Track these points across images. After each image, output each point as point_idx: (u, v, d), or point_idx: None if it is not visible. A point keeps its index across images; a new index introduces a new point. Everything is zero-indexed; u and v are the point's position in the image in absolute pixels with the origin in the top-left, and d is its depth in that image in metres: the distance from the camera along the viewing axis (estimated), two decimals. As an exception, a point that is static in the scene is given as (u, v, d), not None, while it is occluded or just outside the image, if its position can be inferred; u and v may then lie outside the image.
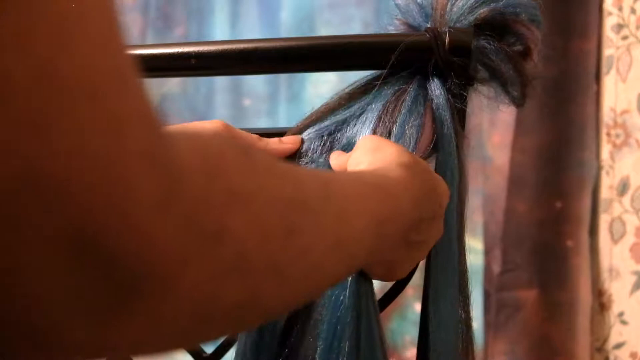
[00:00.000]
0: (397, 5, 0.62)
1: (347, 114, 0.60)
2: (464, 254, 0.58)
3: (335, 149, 0.59)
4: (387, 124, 0.56)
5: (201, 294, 0.26)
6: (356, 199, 0.38)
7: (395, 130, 0.56)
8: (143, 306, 0.24)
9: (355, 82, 0.62)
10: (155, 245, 0.23)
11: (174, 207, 0.24)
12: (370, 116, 0.58)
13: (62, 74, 0.21)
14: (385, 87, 0.59)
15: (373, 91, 0.59)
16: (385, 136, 0.56)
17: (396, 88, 0.58)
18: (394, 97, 0.58)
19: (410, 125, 0.56)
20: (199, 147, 0.27)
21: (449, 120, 0.57)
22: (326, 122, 0.60)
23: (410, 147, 0.55)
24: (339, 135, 0.59)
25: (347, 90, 0.62)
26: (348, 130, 0.59)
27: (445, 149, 0.56)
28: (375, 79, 0.61)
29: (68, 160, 0.21)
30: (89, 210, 0.22)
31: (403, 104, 0.57)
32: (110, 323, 0.24)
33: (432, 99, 0.57)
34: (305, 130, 0.60)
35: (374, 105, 0.58)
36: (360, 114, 0.59)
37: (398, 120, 0.56)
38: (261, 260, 0.28)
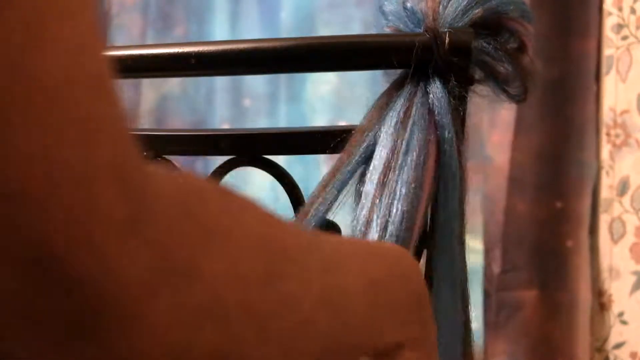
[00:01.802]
0: (385, 13, 0.61)
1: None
2: (464, 255, 0.58)
3: None
4: (394, 147, 0.56)
5: (170, 338, 0.23)
6: (344, 256, 0.35)
7: (403, 147, 0.56)
8: (101, 340, 0.22)
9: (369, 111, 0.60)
10: (118, 272, 0.21)
11: (143, 233, 0.22)
12: (382, 142, 0.57)
13: (30, 73, 0.20)
14: (392, 108, 0.58)
15: (383, 114, 0.59)
16: (395, 155, 0.55)
17: (401, 106, 0.58)
18: (400, 115, 0.57)
19: (416, 139, 0.56)
20: (176, 179, 0.26)
21: (450, 124, 0.57)
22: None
23: (421, 161, 0.55)
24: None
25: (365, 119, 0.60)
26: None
27: (446, 152, 0.57)
28: (385, 96, 0.60)
29: (28, 168, 0.19)
30: (48, 226, 0.20)
31: (408, 121, 0.57)
32: (65, 352, 0.22)
33: (433, 103, 0.57)
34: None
35: (384, 131, 0.58)
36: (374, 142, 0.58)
37: (405, 138, 0.56)
38: (239, 308, 0.26)
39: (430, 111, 0.57)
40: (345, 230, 0.57)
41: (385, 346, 0.37)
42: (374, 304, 0.36)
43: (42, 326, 0.21)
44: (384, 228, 0.53)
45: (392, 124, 0.57)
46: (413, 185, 0.54)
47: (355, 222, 0.55)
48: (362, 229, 0.54)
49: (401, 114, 0.57)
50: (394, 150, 0.56)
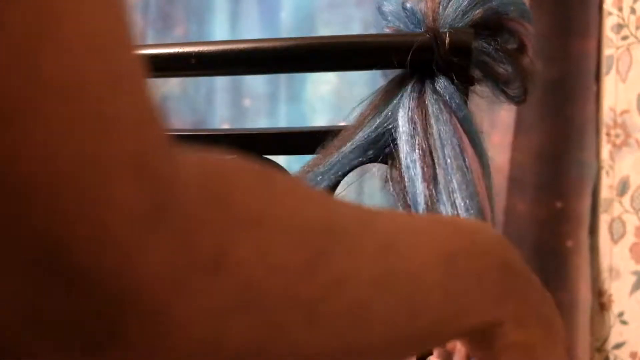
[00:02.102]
0: (384, 13, 0.61)
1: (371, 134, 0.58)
2: None
3: None
4: (423, 144, 0.56)
5: (199, 334, 0.22)
6: (411, 231, 0.32)
7: (437, 143, 0.56)
8: (125, 341, 0.21)
9: (365, 105, 0.60)
10: (139, 268, 0.20)
11: (165, 223, 0.21)
12: (404, 140, 0.57)
13: (43, 67, 0.19)
14: (401, 104, 0.58)
15: (386, 111, 0.59)
16: (428, 153, 0.55)
17: (409, 107, 0.58)
18: (414, 112, 0.58)
19: (445, 132, 0.56)
20: (205, 163, 0.24)
21: (470, 117, 0.57)
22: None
23: (458, 152, 0.55)
24: None
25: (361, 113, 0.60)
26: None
27: (476, 143, 0.57)
28: (383, 93, 0.60)
29: (39, 160, 0.19)
30: (62, 220, 0.19)
31: (428, 117, 0.57)
32: (87, 357, 0.21)
33: (447, 100, 0.57)
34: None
35: (400, 128, 0.58)
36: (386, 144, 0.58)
37: (434, 134, 0.56)
38: (278, 295, 0.24)
39: (447, 106, 0.57)
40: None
41: (475, 326, 0.34)
42: (454, 280, 0.32)
43: (61, 332, 0.20)
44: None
45: (409, 122, 0.57)
46: (461, 173, 0.54)
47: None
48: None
49: (415, 112, 0.57)
50: (429, 149, 0.56)
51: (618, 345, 1.45)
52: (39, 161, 0.19)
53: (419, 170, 0.55)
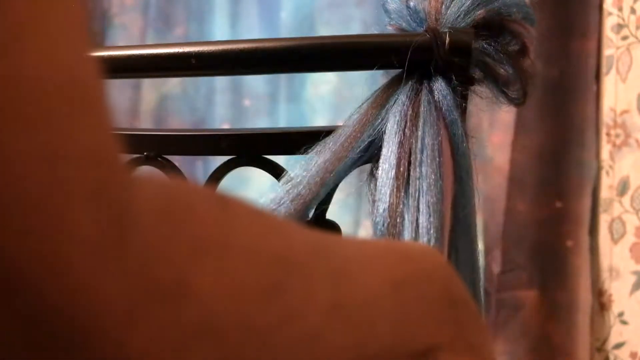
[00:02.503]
0: (388, 11, 0.61)
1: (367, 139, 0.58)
2: (478, 254, 0.58)
3: None
4: (406, 145, 0.56)
5: None
6: (361, 258, 0.33)
7: (418, 145, 0.56)
8: None
9: (363, 105, 0.60)
10: (96, 297, 0.20)
11: (123, 253, 0.20)
12: (389, 141, 0.57)
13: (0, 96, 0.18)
14: (393, 106, 0.58)
15: (383, 111, 0.59)
16: (407, 155, 0.55)
17: (404, 104, 0.58)
18: (406, 112, 0.58)
19: (428, 135, 0.56)
20: (164, 191, 0.24)
21: (458, 120, 0.57)
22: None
23: (436, 155, 0.55)
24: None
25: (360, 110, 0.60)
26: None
27: (459, 148, 0.57)
28: (382, 94, 0.60)
29: None
30: (17, 249, 0.18)
31: (418, 119, 0.57)
32: None
33: (439, 101, 0.57)
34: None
35: (388, 128, 0.58)
36: (378, 141, 0.58)
37: (418, 135, 0.56)
38: (237, 324, 0.24)
39: (438, 108, 0.57)
40: (346, 229, 0.57)
41: (418, 350, 0.35)
42: (401, 307, 0.33)
43: None
44: (416, 224, 0.53)
45: (399, 122, 0.57)
46: (433, 177, 0.54)
47: (380, 221, 0.55)
48: (392, 227, 0.54)
49: (409, 113, 0.57)
50: (409, 149, 0.56)
51: (618, 345, 1.45)
52: None
53: (393, 171, 0.55)
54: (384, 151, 0.56)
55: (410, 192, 0.54)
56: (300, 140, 0.65)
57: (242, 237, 0.25)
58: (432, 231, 0.52)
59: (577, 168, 1.47)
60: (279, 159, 0.64)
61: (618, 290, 1.45)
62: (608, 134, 1.47)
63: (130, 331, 0.21)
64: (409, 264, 0.35)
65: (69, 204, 0.19)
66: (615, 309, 1.45)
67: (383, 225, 0.54)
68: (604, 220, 1.47)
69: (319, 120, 1.67)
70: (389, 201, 0.54)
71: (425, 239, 0.52)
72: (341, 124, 0.62)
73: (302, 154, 0.63)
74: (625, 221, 1.45)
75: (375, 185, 0.56)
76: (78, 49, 0.21)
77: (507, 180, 1.48)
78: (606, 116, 1.47)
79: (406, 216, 0.53)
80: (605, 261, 1.47)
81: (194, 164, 1.68)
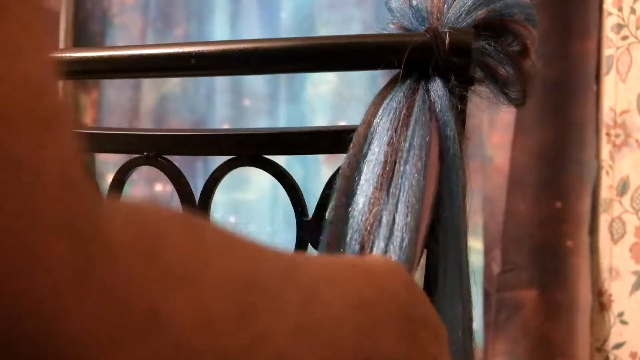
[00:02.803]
0: (391, 9, 0.62)
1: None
2: (467, 255, 0.58)
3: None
4: (394, 142, 0.56)
5: None
6: (328, 278, 0.33)
7: (406, 144, 0.55)
8: None
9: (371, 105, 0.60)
10: (67, 328, 0.20)
11: (93, 282, 0.20)
12: (380, 135, 0.57)
13: None
14: (390, 103, 0.58)
15: (379, 110, 0.59)
16: (399, 152, 0.55)
17: (400, 102, 0.58)
18: (401, 110, 0.57)
19: (418, 135, 0.56)
20: (133, 222, 0.24)
21: (451, 122, 0.57)
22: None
23: (422, 155, 0.55)
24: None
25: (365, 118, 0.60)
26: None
27: (449, 150, 0.56)
28: (382, 93, 0.60)
29: None
30: None
31: (410, 118, 0.57)
32: None
33: (434, 101, 0.57)
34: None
35: (380, 125, 0.58)
36: (372, 138, 0.58)
37: (408, 134, 0.56)
38: (209, 350, 0.24)
39: (431, 109, 0.57)
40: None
41: None
42: (364, 326, 0.34)
43: None
44: (392, 222, 0.53)
45: (392, 120, 0.57)
46: (416, 177, 0.54)
47: (357, 215, 0.54)
48: (369, 224, 0.53)
49: (403, 111, 0.57)
50: (397, 148, 0.56)
51: (618, 345, 1.45)
52: None
53: (379, 168, 0.55)
54: (373, 146, 0.56)
55: (391, 190, 0.54)
56: (300, 140, 0.65)
57: (212, 264, 0.26)
58: (406, 232, 0.52)
59: (577, 168, 1.47)
60: (279, 159, 0.64)
61: (618, 290, 1.45)
62: (608, 134, 1.47)
63: (104, 358, 0.21)
64: (373, 284, 0.36)
65: (40, 238, 0.19)
66: (615, 309, 1.45)
67: (361, 219, 0.54)
68: (604, 220, 1.47)
69: (319, 120, 1.67)
70: (370, 197, 0.54)
71: (398, 239, 0.52)
72: (341, 124, 0.62)
73: (304, 153, 0.63)
74: (625, 221, 1.45)
75: (348, 183, 0.56)
76: (40, 59, 0.20)
77: (507, 180, 1.48)
78: (606, 116, 1.47)
79: (384, 214, 0.53)
80: (605, 261, 1.47)
81: (194, 164, 1.68)
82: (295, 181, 0.64)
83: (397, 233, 0.52)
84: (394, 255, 0.51)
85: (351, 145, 0.58)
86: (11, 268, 0.19)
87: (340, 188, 0.56)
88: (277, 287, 0.29)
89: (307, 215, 0.63)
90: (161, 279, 0.23)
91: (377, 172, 0.55)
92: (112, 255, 0.21)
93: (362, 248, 0.52)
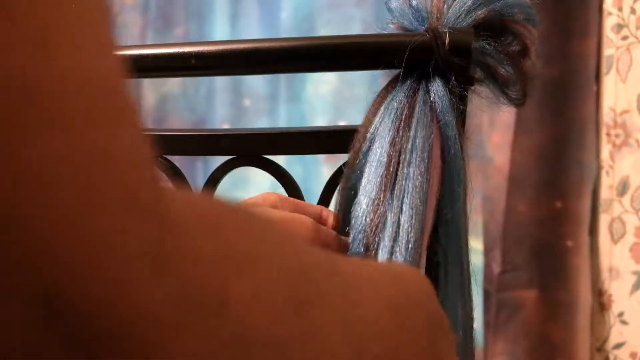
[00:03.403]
0: (390, 10, 0.62)
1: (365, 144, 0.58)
2: (468, 255, 0.58)
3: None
4: (397, 144, 0.56)
5: None
6: (362, 277, 0.34)
7: (408, 145, 0.56)
8: None
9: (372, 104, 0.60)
10: (139, 309, 0.20)
11: (167, 265, 0.20)
12: (383, 136, 0.57)
13: (43, 99, 0.18)
14: (391, 103, 0.58)
15: (381, 109, 0.59)
16: (402, 153, 0.55)
17: (401, 102, 0.58)
18: (402, 111, 0.57)
19: (420, 136, 0.56)
20: (195, 202, 0.24)
21: (452, 122, 0.57)
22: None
23: (425, 157, 0.55)
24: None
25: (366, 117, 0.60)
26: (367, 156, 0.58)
27: (450, 150, 0.57)
28: (382, 93, 0.60)
29: (36, 197, 0.18)
30: (58, 259, 0.18)
31: (412, 119, 0.57)
32: None
33: (435, 102, 0.57)
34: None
35: (382, 126, 0.58)
36: (373, 138, 0.58)
37: (410, 135, 0.56)
38: (265, 338, 0.24)
39: (432, 109, 0.57)
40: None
41: None
42: (395, 330, 0.34)
43: None
44: (397, 224, 0.53)
45: (393, 120, 0.57)
46: (420, 179, 0.54)
47: (361, 216, 0.55)
48: (374, 225, 0.54)
49: (404, 112, 0.57)
50: (399, 148, 0.56)
51: (618, 345, 1.45)
52: (36, 198, 0.18)
53: (382, 169, 0.55)
54: (375, 146, 0.56)
55: (395, 191, 0.54)
56: (300, 140, 0.65)
57: (269, 249, 0.26)
58: (412, 233, 0.52)
59: (577, 168, 1.47)
60: (279, 159, 0.64)
61: (618, 290, 1.45)
62: (608, 134, 1.47)
63: (177, 338, 0.20)
64: (402, 289, 0.36)
65: (111, 215, 0.19)
66: (615, 309, 1.45)
67: (365, 220, 0.54)
68: (604, 220, 1.47)
69: (319, 120, 1.67)
70: (374, 198, 0.54)
71: (404, 240, 0.52)
72: (341, 124, 0.62)
73: (304, 153, 0.63)
74: (625, 221, 1.45)
75: (349, 184, 0.56)
76: (106, 50, 0.21)
77: (507, 180, 1.48)
78: (606, 116, 1.47)
79: (389, 215, 0.53)
80: (605, 261, 1.47)
81: (194, 164, 1.68)
82: (295, 181, 0.64)
83: (402, 234, 0.52)
84: (400, 256, 0.51)
85: (351, 145, 0.58)
86: (83, 244, 0.18)
87: (343, 188, 0.57)
88: (325, 280, 0.29)
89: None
90: (229, 260, 0.23)
91: (381, 173, 0.55)
92: (182, 234, 0.21)
93: (367, 249, 0.53)
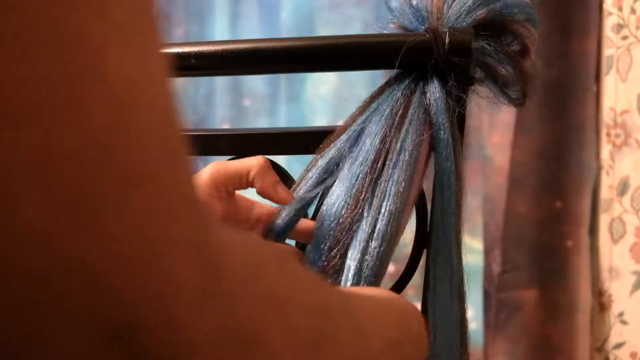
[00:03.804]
0: (391, 9, 0.62)
1: (350, 132, 0.59)
2: (461, 257, 0.58)
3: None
4: (387, 142, 0.56)
5: None
6: (374, 317, 0.36)
7: (397, 146, 0.56)
8: None
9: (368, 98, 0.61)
10: (192, 345, 0.22)
11: (218, 306, 0.22)
12: (374, 131, 0.57)
13: (115, 152, 0.19)
14: (386, 100, 0.58)
15: (373, 104, 0.59)
16: (390, 153, 0.56)
17: (397, 100, 0.58)
18: (397, 110, 0.57)
19: (410, 140, 0.56)
20: (244, 246, 0.26)
21: (446, 125, 0.57)
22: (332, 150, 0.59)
23: (412, 162, 0.55)
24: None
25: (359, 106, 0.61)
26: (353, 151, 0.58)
27: (442, 153, 0.57)
28: (379, 92, 0.60)
29: (111, 249, 0.19)
30: (128, 301, 0.20)
31: (404, 120, 0.57)
32: None
33: (430, 103, 0.57)
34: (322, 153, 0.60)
35: (374, 121, 0.58)
36: (361, 130, 0.59)
37: (400, 137, 0.56)
38: None
39: (426, 111, 0.57)
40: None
41: None
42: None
43: None
44: (374, 225, 0.53)
45: (387, 118, 0.57)
46: (403, 185, 0.54)
47: (336, 203, 0.55)
48: (349, 217, 0.54)
49: (399, 111, 0.57)
50: (388, 149, 0.56)
51: (618, 345, 1.45)
52: (109, 248, 0.19)
53: (368, 164, 0.55)
54: (366, 141, 0.57)
55: (377, 191, 0.54)
56: (300, 140, 0.65)
57: (300, 292, 0.28)
58: (386, 237, 0.53)
59: (577, 168, 1.47)
60: (279, 159, 0.64)
61: (618, 290, 1.45)
62: (608, 134, 1.47)
63: None
64: (403, 326, 0.40)
65: (175, 262, 0.21)
66: (615, 309, 1.45)
67: (339, 209, 0.54)
68: (604, 220, 1.47)
69: (319, 120, 1.67)
70: (355, 190, 0.54)
71: (377, 242, 0.53)
72: (342, 124, 0.62)
73: (304, 153, 0.63)
74: (625, 221, 1.45)
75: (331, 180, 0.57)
76: (167, 90, 0.22)
77: (507, 180, 1.48)
78: (606, 116, 1.47)
79: (365, 214, 0.53)
80: (605, 261, 1.47)
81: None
82: (295, 181, 0.64)
83: (376, 236, 0.53)
84: (369, 258, 0.52)
85: (331, 139, 0.59)
86: (148, 286, 0.20)
87: (317, 180, 0.58)
88: (340, 318, 0.31)
89: (307, 215, 0.63)
90: (268, 302, 0.25)
91: (366, 169, 0.55)
92: (232, 278, 0.23)
93: (337, 242, 0.53)
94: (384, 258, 0.52)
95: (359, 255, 0.52)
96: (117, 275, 0.19)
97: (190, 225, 0.22)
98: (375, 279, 0.52)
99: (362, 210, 0.54)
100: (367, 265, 0.52)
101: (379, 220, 0.53)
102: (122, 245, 0.19)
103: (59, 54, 0.18)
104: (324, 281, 0.33)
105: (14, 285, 0.18)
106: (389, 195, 0.54)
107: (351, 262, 0.52)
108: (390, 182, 0.54)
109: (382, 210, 0.54)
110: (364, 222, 0.53)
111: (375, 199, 0.54)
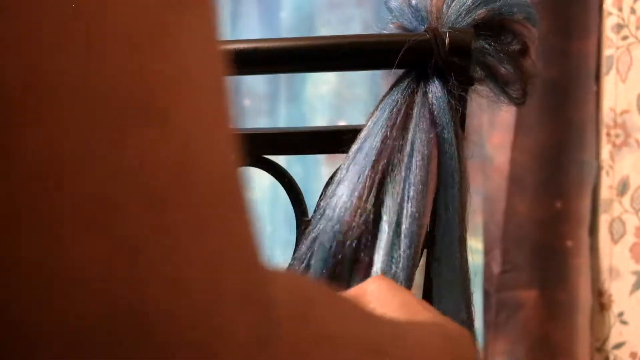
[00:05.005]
0: (390, 9, 0.62)
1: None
2: (466, 256, 0.58)
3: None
4: (390, 142, 0.56)
5: None
6: (423, 345, 0.36)
7: (407, 148, 0.55)
8: None
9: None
10: None
11: (268, 352, 0.22)
12: (374, 134, 0.57)
13: (173, 202, 0.19)
14: (387, 100, 0.58)
15: (380, 106, 0.59)
16: (400, 155, 0.55)
17: (397, 101, 0.58)
18: (399, 110, 0.57)
19: (419, 141, 0.56)
20: (292, 286, 0.26)
21: (449, 124, 0.57)
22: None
23: (426, 163, 0.55)
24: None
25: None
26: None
27: (446, 152, 0.56)
28: (385, 94, 0.60)
29: (164, 297, 0.19)
30: (180, 351, 0.20)
31: (409, 121, 0.57)
32: None
33: (433, 103, 0.57)
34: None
35: (375, 121, 0.58)
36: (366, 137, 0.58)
37: (409, 138, 0.56)
38: None
39: (430, 111, 0.57)
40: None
41: None
42: None
43: None
44: (396, 228, 0.53)
45: (387, 119, 0.57)
46: (421, 187, 0.54)
47: (338, 202, 0.54)
48: (353, 216, 0.53)
49: (400, 112, 0.57)
50: (398, 150, 0.56)
51: (618, 345, 1.45)
52: (161, 296, 0.19)
53: (370, 163, 0.55)
54: (365, 143, 0.56)
55: (393, 193, 0.54)
56: (300, 140, 0.65)
57: (349, 329, 0.28)
58: (412, 238, 0.53)
59: (577, 168, 1.47)
60: (279, 159, 0.64)
61: (618, 290, 1.45)
62: (608, 134, 1.47)
63: None
64: (455, 353, 0.38)
65: (226, 310, 0.20)
66: (615, 309, 1.45)
67: (341, 208, 0.54)
68: (604, 220, 1.47)
69: (319, 120, 1.67)
70: (359, 190, 0.54)
71: (404, 245, 0.52)
72: (341, 124, 0.62)
73: (304, 153, 0.63)
74: (625, 221, 1.45)
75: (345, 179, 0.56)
76: (226, 130, 0.22)
77: (507, 180, 1.48)
78: (606, 116, 1.47)
79: (384, 217, 0.53)
80: (605, 261, 1.47)
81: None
82: (295, 181, 0.64)
83: (402, 239, 0.52)
84: (397, 265, 0.51)
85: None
86: (200, 335, 0.20)
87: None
88: (392, 349, 0.31)
89: (307, 215, 0.63)
90: (316, 344, 0.25)
91: (369, 167, 0.55)
92: (279, 320, 0.23)
93: (342, 244, 0.53)
94: (415, 260, 0.52)
95: (384, 258, 0.52)
96: (167, 324, 0.19)
97: (242, 272, 0.21)
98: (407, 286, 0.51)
99: (381, 214, 0.54)
100: (398, 269, 0.51)
101: (403, 223, 0.53)
102: (172, 293, 0.19)
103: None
104: (373, 312, 0.33)
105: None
106: (409, 197, 0.54)
107: (377, 267, 0.51)
108: (407, 184, 0.54)
109: (404, 212, 0.53)
110: (382, 224, 0.53)
111: (391, 200, 0.54)
